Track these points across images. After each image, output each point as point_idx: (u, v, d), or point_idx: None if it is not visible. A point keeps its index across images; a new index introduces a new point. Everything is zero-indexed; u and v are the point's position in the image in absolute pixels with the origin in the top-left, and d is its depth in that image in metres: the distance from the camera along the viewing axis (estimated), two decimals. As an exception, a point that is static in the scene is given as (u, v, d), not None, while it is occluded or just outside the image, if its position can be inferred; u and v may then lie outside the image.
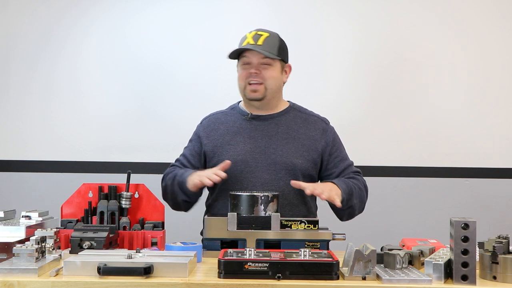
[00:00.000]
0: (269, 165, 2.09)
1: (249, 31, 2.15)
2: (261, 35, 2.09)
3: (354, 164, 2.21)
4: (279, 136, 2.13)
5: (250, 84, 2.10)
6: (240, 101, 2.26)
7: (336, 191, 1.96)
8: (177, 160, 2.23)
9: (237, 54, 2.14)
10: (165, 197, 2.15)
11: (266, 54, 2.07)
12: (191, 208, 2.16)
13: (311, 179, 2.13)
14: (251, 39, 2.09)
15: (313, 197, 2.18)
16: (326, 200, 1.95)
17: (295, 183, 1.96)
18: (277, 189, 2.04)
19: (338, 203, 1.92)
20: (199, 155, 2.19)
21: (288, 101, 2.25)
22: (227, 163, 1.99)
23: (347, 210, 2.06)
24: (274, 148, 2.11)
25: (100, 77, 3.20)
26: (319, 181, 2.19)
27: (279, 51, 2.12)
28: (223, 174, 1.93)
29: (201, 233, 2.12)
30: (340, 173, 2.15)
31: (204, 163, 2.18)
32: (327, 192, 1.92)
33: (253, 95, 2.11)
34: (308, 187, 1.91)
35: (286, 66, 2.19)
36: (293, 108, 2.23)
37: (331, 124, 2.24)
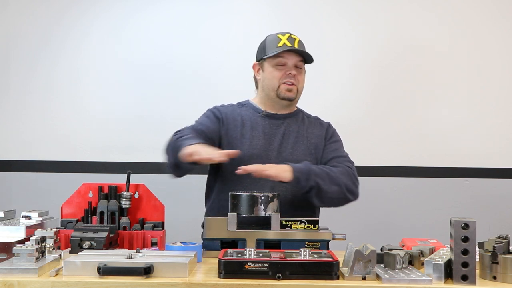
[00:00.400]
0: (281, 162, 2.10)
1: (280, 32, 2.17)
2: (295, 38, 2.16)
3: (355, 164, 2.21)
4: (291, 135, 2.19)
5: (284, 83, 2.15)
6: (248, 100, 2.29)
7: (281, 168, 1.96)
8: (188, 127, 2.15)
9: (264, 54, 2.16)
10: (165, 150, 2.07)
11: (308, 59, 2.16)
12: (180, 175, 2.08)
13: None
14: (286, 41, 2.14)
15: None
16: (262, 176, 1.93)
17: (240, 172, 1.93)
18: (287, 187, 2.07)
19: (265, 173, 1.91)
20: (216, 132, 2.15)
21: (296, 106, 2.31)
22: (236, 152, 1.92)
23: (312, 191, 2.00)
24: (285, 147, 2.17)
25: (100, 77, 3.21)
26: None
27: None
28: (224, 159, 1.84)
29: (202, 226, 2.12)
30: (326, 162, 2.16)
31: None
32: (255, 166, 1.92)
33: (288, 94, 2.16)
34: (242, 167, 1.91)
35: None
36: (301, 111, 2.31)
37: (333, 128, 2.30)
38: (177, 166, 2.00)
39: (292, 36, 2.16)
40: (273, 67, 2.16)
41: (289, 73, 2.14)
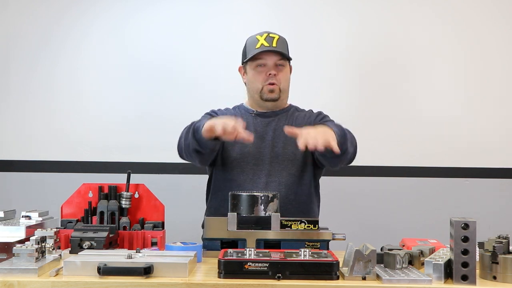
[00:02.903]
0: (273, 158, 2.15)
1: (259, 33, 2.18)
2: (273, 37, 2.16)
3: (355, 164, 2.21)
4: (280, 129, 2.19)
5: (266, 85, 2.16)
6: (242, 103, 2.32)
7: (330, 134, 1.83)
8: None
9: (245, 56, 2.20)
10: (179, 150, 2.11)
11: (287, 56, 2.16)
12: (204, 162, 2.12)
13: (311, 166, 2.18)
14: (264, 42, 2.15)
15: (316, 189, 2.24)
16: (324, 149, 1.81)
17: (289, 131, 1.90)
18: (280, 179, 2.13)
19: (336, 148, 1.78)
20: None
21: (288, 103, 2.32)
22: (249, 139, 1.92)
23: (343, 156, 1.96)
24: (277, 143, 2.18)
25: (100, 77, 3.20)
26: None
27: (289, 53, 2.21)
28: (240, 128, 1.83)
29: (202, 226, 2.12)
30: None
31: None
32: (321, 139, 1.78)
33: (271, 95, 2.18)
34: (301, 141, 1.79)
35: (291, 67, 2.27)
36: (293, 107, 2.32)
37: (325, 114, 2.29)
38: (198, 150, 2.01)
39: (271, 35, 2.17)
40: (254, 70, 2.18)
41: (269, 74, 2.14)
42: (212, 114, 2.24)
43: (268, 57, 2.15)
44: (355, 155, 2.09)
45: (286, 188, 2.11)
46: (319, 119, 2.25)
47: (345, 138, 1.96)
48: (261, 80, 2.17)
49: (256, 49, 2.14)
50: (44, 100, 3.20)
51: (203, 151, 2.02)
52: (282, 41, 2.18)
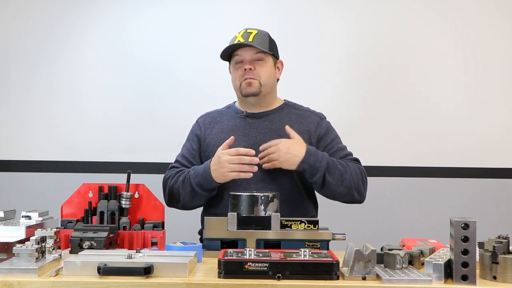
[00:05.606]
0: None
1: (239, 31, 2.17)
2: (251, 32, 2.12)
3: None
4: (273, 133, 2.13)
5: (244, 80, 2.12)
6: (236, 101, 2.28)
7: (290, 161, 1.97)
8: (176, 161, 2.22)
9: (228, 55, 2.17)
10: (171, 200, 2.13)
11: (259, 48, 2.09)
12: (198, 204, 2.15)
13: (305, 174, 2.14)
14: (241, 38, 2.11)
15: (313, 194, 2.19)
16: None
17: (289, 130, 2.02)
18: (272, 185, 2.06)
19: (266, 166, 1.99)
20: (198, 153, 2.20)
21: (284, 100, 2.26)
22: (232, 139, 2.01)
23: (316, 185, 2.04)
24: None
25: (100, 77, 3.21)
26: None
27: (270, 47, 2.16)
28: (252, 152, 1.96)
29: (199, 233, 2.12)
30: None
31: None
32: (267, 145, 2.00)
33: (249, 89, 2.12)
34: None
35: (278, 62, 2.22)
36: (288, 105, 2.24)
37: (327, 120, 2.24)
38: (196, 195, 2.06)
39: (249, 30, 2.13)
40: (233, 67, 2.16)
41: (245, 69, 2.11)
42: (195, 130, 2.24)
43: (244, 52, 2.11)
44: (352, 196, 2.08)
45: (280, 194, 2.03)
46: (323, 132, 2.17)
47: (317, 170, 1.98)
48: (238, 76, 2.14)
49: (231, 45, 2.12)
50: (44, 100, 3.20)
51: (201, 197, 2.07)
52: (260, 35, 2.12)
